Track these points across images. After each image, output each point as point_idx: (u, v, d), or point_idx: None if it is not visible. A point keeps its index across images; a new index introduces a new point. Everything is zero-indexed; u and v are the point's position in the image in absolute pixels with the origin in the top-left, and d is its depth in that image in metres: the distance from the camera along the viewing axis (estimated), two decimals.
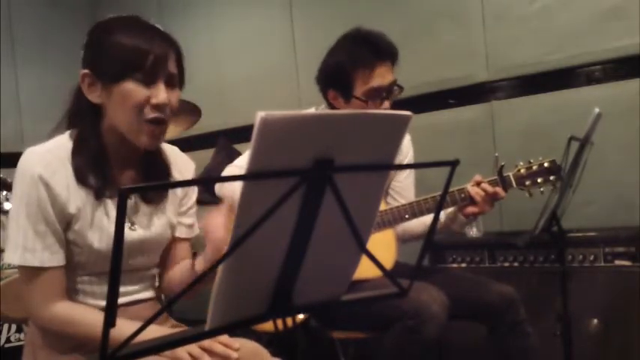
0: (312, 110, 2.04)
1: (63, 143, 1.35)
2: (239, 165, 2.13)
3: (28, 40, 4.29)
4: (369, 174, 0.96)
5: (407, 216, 2.01)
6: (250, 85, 3.84)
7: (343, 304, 1.09)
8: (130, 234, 1.37)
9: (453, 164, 0.97)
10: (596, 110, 1.84)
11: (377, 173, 0.99)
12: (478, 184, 1.95)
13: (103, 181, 1.34)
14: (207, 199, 2.59)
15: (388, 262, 1.98)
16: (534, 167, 1.99)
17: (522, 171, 1.99)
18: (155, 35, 1.31)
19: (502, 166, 1.98)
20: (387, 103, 1.99)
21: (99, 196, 1.34)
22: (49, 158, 1.30)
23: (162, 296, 1.63)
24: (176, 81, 1.34)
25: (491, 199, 1.95)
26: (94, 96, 1.33)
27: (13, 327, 2.84)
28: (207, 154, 3.70)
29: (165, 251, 1.52)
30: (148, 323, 0.82)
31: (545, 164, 1.98)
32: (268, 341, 1.86)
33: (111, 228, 1.34)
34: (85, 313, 1.33)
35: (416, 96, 2.88)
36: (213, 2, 4.07)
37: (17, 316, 2.28)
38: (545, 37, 2.77)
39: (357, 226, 0.94)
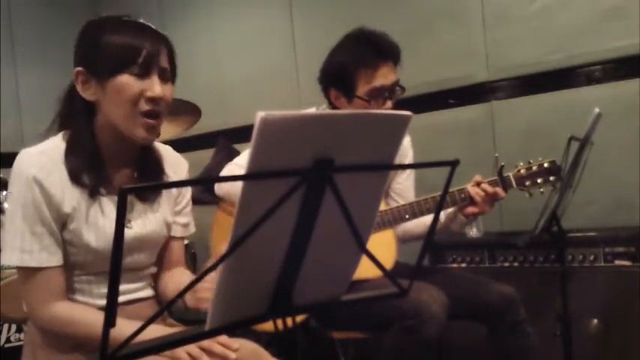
0: (312, 110, 2.04)
1: (57, 144, 1.36)
2: (239, 163, 2.13)
3: (28, 40, 4.29)
4: (369, 174, 0.96)
5: (407, 216, 2.01)
6: (250, 85, 3.84)
7: (343, 304, 1.09)
8: (126, 232, 1.38)
9: (453, 164, 0.97)
10: (596, 110, 1.84)
11: (377, 173, 0.98)
12: (478, 184, 1.95)
13: (98, 179, 1.35)
14: (207, 198, 2.59)
15: (388, 262, 1.98)
16: (534, 168, 1.99)
17: (522, 171, 1.99)
18: (146, 32, 1.34)
19: (502, 166, 1.98)
20: (389, 103, 1.99)
21: (93, 193, 1.35)
22: (44, 160, 1.31)
23: None
24: (169, 75, 1.37)
25: (492, 199, 1.95)
26: (88, 93, 1.34)
27: (13, 327, 2.83)
28: (207, 154, 3.70)
29: (162, 250, 1.53)
30: (148, 323, 0.82)
31: (545, 165, 1.98)
32: (268, 341, 1.86)
33: (106, 226, 1.35)
34: (84, 313, 1.34)
35: (416, 96, 2.87)
36: (213, 2, 4.07)
37: (17, 316, 2.28)
38: (545, 37, 2.77)
39: (357, 226, 0.94)
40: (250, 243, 0.84)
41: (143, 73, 1.31)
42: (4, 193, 2.46)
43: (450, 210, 2.05)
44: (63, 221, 1.33)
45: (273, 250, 0.92)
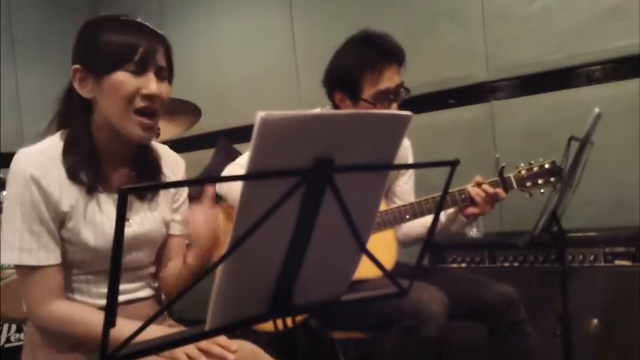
0: (317, 111, 2.04)
1: (55, 143, 1.36)
2: (240, 164, 2.13)
3: (28, 40, 4.29)
4: (369, 174, 0.96)
5: (407, 216, 2.01)
6: (250, 85, 3.84)
7: (343, 304, 1.09)
8: (125, 230, 1.37)
9: (453, 164, 0.97)
10: (596, 110, 1.84)
11: (377, 173, 0.98)
12: (479, 184, 1.95)
13: (95, 177, 1.35)
14: None
15: (388, 262, 1.98)
16: (535, 168, 1.99)
17: (523, 172, 1.99)
18: (143, 30, 1.35)
19: (503, 167, 1.98)
20: (394, 105, 1.99)
21: (91, 191, 1.35)
22: (41, 159, 1.32)
23: (163, 296, 1.64)
24: (165, 74, 1.37)
25: (492, 200, 1.95)
26: (86, 91, 1.35)
27: (13, 327, 2.83)
28: (207, 154, 3.69)
29: (160, 248, 1.53)
30: (148, 323, 0.82)
31: (546, 165, 1.99)
32: (268, 341, 1.86)
33: (105, 224, 1.36)
34: (83, 312, 1.34)
35: (416, 96, 2.86)
36: (213, 2, 4.07)
37: (17, 316, 2.28)
38: (545, 37, 2.77)
39: (357, 226, 0.94)
40: (250, 243, 0.84)
41: (139, 71, 1.32)
42: (4, 193, 2.45)
43: (451, 210, 2.05)
44: (61, 220, 1.33)
45: (273, 250, 0.92)
